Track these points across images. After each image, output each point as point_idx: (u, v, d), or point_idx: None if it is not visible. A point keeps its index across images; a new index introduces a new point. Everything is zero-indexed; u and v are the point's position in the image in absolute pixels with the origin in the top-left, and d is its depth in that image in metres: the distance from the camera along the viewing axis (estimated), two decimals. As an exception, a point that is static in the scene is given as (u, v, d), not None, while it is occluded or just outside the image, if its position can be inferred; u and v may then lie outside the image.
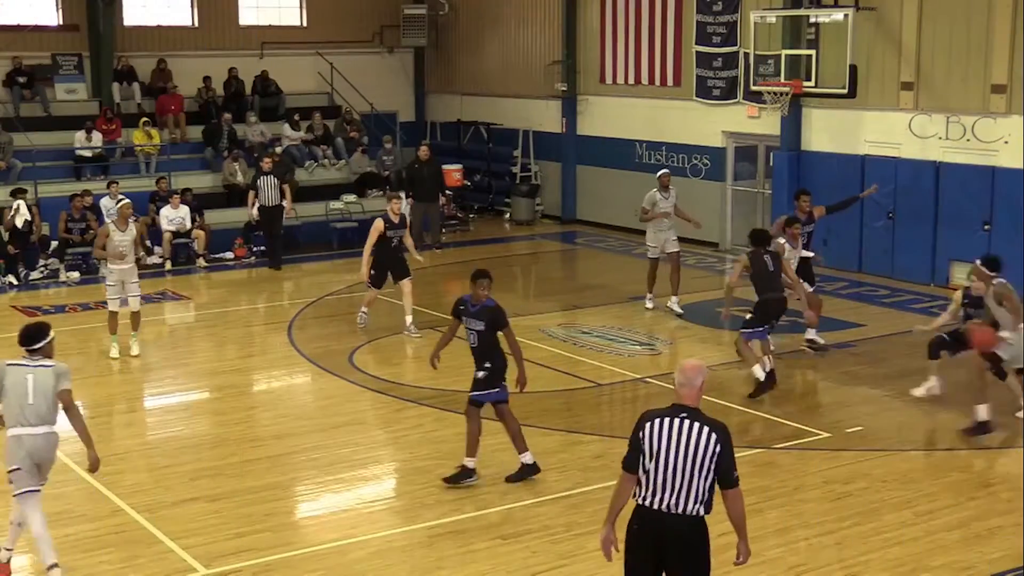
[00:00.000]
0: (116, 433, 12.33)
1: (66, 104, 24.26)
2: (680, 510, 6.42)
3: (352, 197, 23.85)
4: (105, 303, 15.15)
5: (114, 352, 14.77)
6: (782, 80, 19.11)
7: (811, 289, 14.69)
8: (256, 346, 16.23)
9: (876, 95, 19.09)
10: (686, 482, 6.39)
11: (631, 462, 6.52)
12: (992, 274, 11.66)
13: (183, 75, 25.06)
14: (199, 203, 21.70)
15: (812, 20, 19.14)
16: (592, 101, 24.67)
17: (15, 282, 19.24)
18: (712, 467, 6.41)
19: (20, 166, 21.84)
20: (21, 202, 19.76)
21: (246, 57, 26.22)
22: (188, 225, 21.04)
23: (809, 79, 18.83)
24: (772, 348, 13.38)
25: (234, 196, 22.55)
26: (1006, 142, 17.52)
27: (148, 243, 21.11)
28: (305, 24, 27.48)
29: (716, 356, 14.51)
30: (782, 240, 14.15)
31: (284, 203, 20.82)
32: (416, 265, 16.55)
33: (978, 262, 11.90)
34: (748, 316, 13.29)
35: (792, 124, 20.31)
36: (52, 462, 8.68)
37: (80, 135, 22.68)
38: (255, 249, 21.47)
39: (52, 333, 8.78)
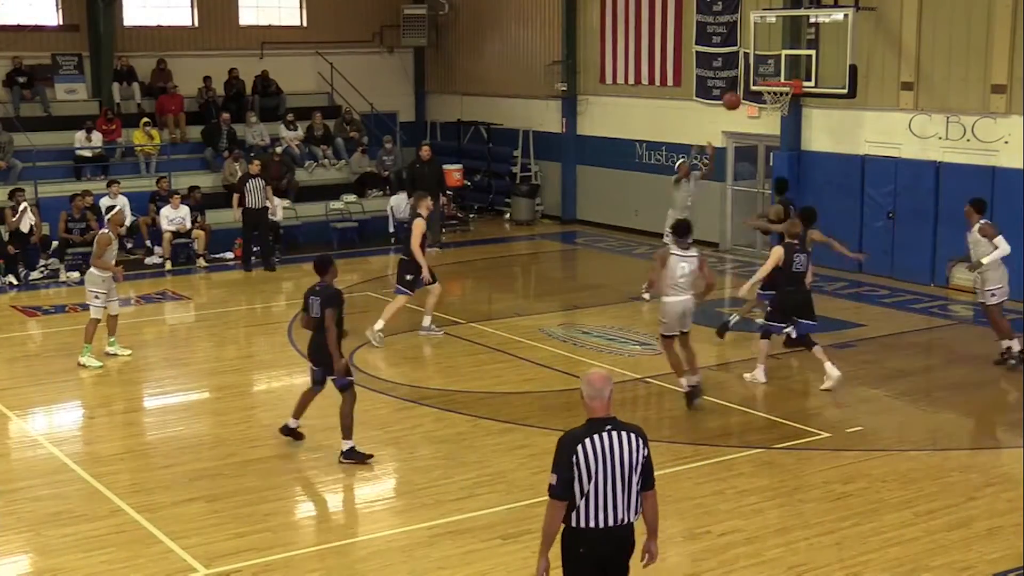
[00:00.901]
0: (116, 433, 12.29)
1: (66, 104, 24.26)
2: (623, 520, 6.45)
3: (352, 197, 23.88)
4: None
5: (92, 360, 14.26)
6: (782, 80, 19.11)
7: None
8: (256, 346, 16.22)
9: (876, 95, 19.08)
10: (626, 493, 6.41)
11: (564, 490, 6.38)
12: (979, 215, 14.02)
13: (183, 75, 25.06)
14: (201, 203, 21.69)
15: (812, 20, 19.13)
16: (592, 101, 24.67)
17: (15, 282, 19.23)
18: (642, 471, 6.45)
19: (20, 166, 21.84)
20: (26, 204, 19.76)
21: (246, 57, 26.22)
22: (188, 225, 21.03)
23: (809, 79, 18.82)
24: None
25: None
26: (1006, 142, 17.52)
27: (148, 243, 21.19)
28: (305, 24, 27.48)
29: (715, 356, 14.54)
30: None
31: (268, 204, 20.75)
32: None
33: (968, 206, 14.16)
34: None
35: (792, 124, 20.30)
36: None
37: (80, 135, 22.68)
38: (254, 249, 21.45)
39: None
